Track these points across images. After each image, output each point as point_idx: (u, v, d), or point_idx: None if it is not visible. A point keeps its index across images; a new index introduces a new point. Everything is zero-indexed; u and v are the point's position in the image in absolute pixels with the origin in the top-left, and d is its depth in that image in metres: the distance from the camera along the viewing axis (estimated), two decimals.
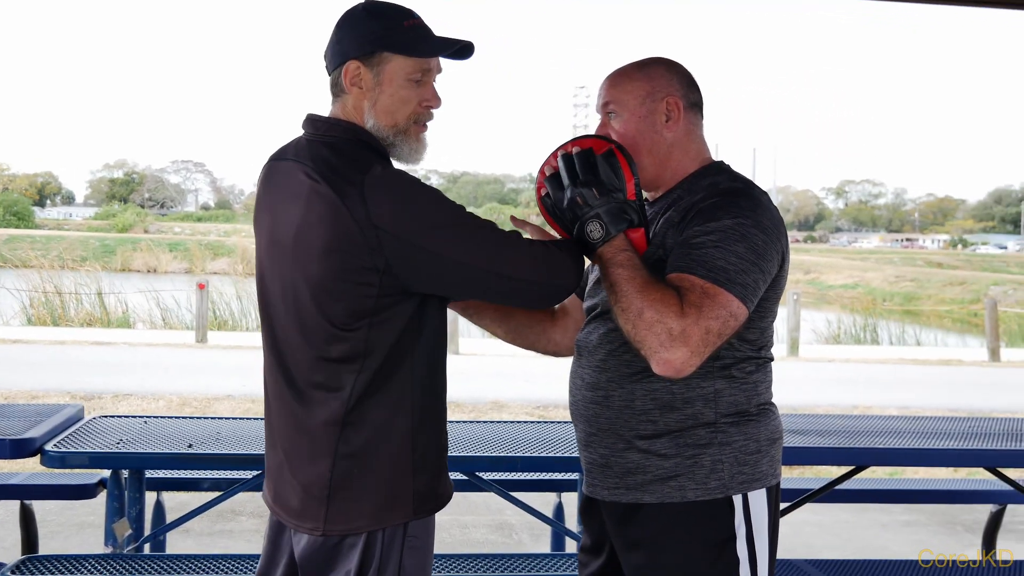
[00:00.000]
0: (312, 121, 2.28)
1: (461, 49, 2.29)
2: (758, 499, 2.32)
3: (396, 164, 2.27)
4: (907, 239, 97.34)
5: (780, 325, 16.49)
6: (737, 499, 2.29)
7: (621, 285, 2.16)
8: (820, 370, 14.08)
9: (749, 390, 2.33)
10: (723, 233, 2.20)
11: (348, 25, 2.26)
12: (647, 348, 2.11)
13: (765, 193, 2.37)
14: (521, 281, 2.18)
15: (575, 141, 2.31)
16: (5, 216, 59.50)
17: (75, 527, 5.72)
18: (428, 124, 2.30)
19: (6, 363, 12.08)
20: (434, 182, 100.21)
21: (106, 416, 4.50)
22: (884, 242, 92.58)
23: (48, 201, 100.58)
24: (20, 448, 3.69)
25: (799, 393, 11.15)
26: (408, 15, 2.26)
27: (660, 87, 2.39)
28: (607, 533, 2.44)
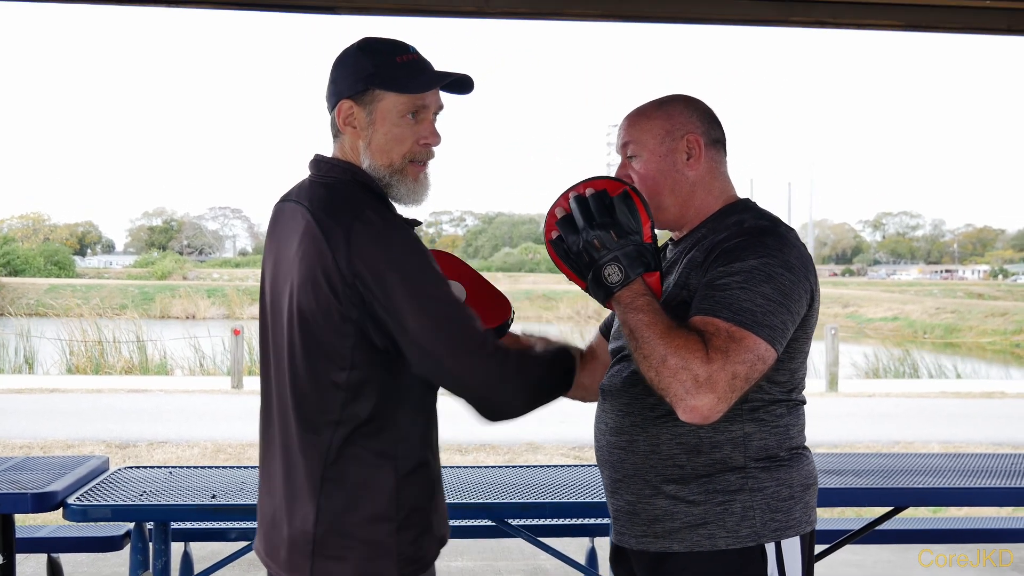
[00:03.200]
0: (316, 162, 2.25)
1: (459, 83, 2.23)
2: (792, 547, 2.24)
3: (397, 206, 2.22)
4: (946, 270, 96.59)
5: (819, 360, 16.33)
6: (770, 547, 2.21)
7: (642, 331, 2.09)
8: (860, 405, 13.88)
9: (780, 434, 2.25)
10: (748, 274, 2.13)
11: (341, 64, 2.22)
12: (672, 395, 2.04)
13: (792, 230, 2.30)
14: (466, 386, 2.11)
15: (587, 183, 2.23)
16: (46, 266, 60.19)
17: None
18: (427, 163, 2.24)
19: (44, 412, 12.12)
20: (469, 223, 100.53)
21: (131, 467, 4.47)
22: (923, 274, 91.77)
23: (88, 250, 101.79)
24: (42, 502, 3.66)
25: (839, 429, 11.00)
26: (402, 50, 2.20)
27: (679, 125, 2.33)
28: None
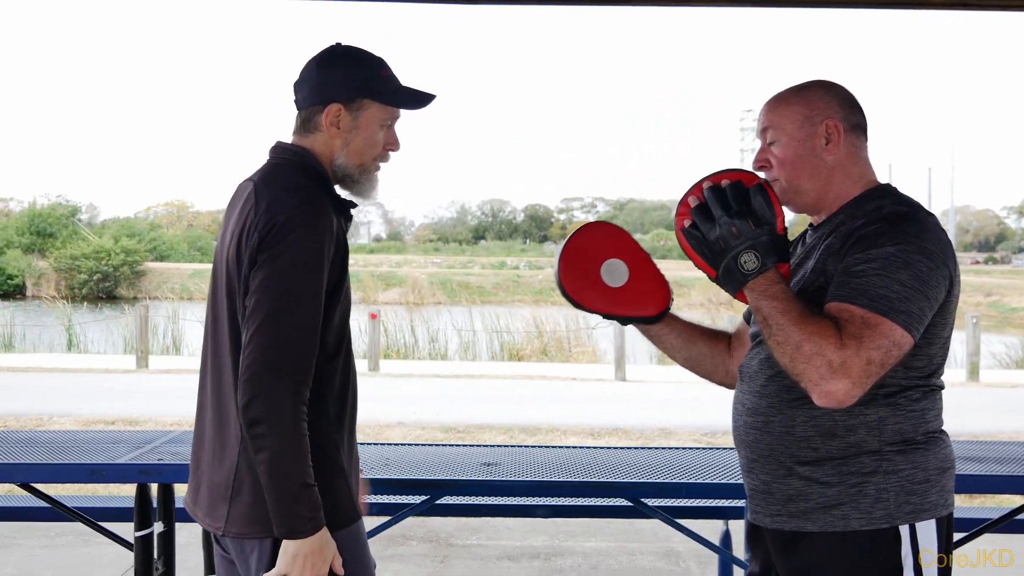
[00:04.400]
0: (274, 148, 2.46)
1: (425, 100, 2.46)
2: (927, 530, 2.26)
3: (352, 196, 2.47)
4: None
5: (959, 349, 15.93)
6: (904, 529, 2.24)
7: (776, 317, 2.15)
8: (1003, 396, 13.54)
9: (916, 418, 2.27)
10: (885, 260, 2.16)
11: (331, 67, 2.42)
12: (807, 380, 2.11)
13: (932, 216, 2.30)
14: (247, 367, 2.22)
15: (722, 174, 2.31)
16: (190, 251, 61.97)
17: None
18: (384, 165, 2.49)
19: (192, 392, 12.55)
20: (600, 210, 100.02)
21: None
22: None
23: None
24: None
25: (980, 419, 10.75)
26: (383, 64, 2.45)
27: (818, 110, 2.36)
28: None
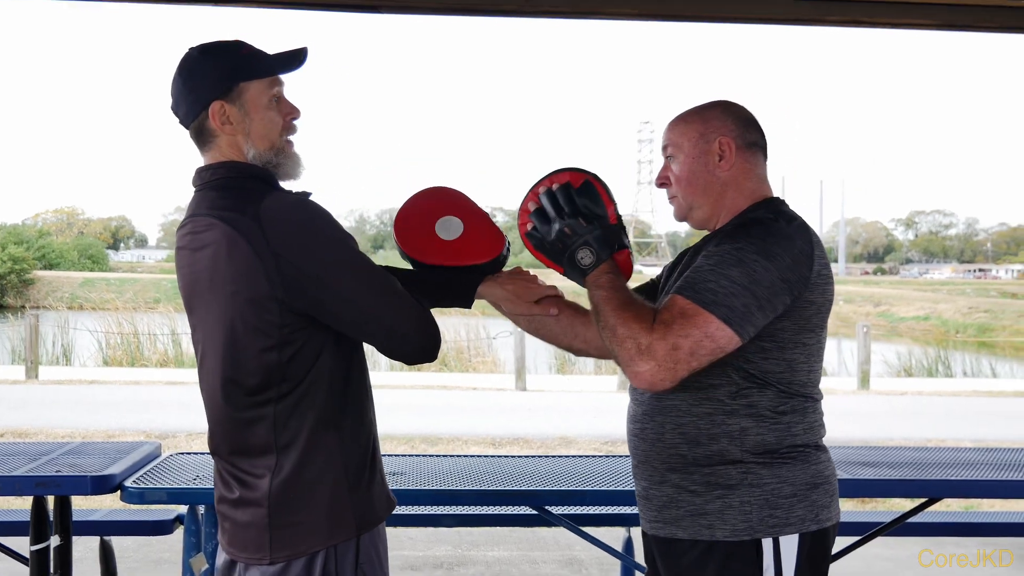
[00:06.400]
0: (198, 173, 2.35)
1: (299, 57, 2.38)
2: (790, 544, 2.29)
3: (284, 184, 2.36)
4: (980, 270, 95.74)
5: (850, 358, 16.32)
6: (767, 543, 2.28)
7: (601, 305, 2.26)
8: (892, 403, 13.89)
9: (780, 431, 2.30)
10: (720, 257, 2.25)
11: (193, 72, 2.33)
12: (620, 362, 2.21)
13: (802, 229, 2.34)
14: (397, 332, 2.27)
15: (552, 177, 2.44)
16: (80, 259, 60.67)
17: (152, 563, 5.82)
18: (295, 138, 2.40)
19: (84, 403, 12.32)
20: (500, 220, 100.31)
21: (182, 453, 4.60)
22: (956, 273, 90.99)
23: (122, 244, 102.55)
24: (101, 484, 3.79)
25: (871, 426, 11.02)
26: (241, 44, 2.35)
27: (713, 128, 2.44)
28: None
